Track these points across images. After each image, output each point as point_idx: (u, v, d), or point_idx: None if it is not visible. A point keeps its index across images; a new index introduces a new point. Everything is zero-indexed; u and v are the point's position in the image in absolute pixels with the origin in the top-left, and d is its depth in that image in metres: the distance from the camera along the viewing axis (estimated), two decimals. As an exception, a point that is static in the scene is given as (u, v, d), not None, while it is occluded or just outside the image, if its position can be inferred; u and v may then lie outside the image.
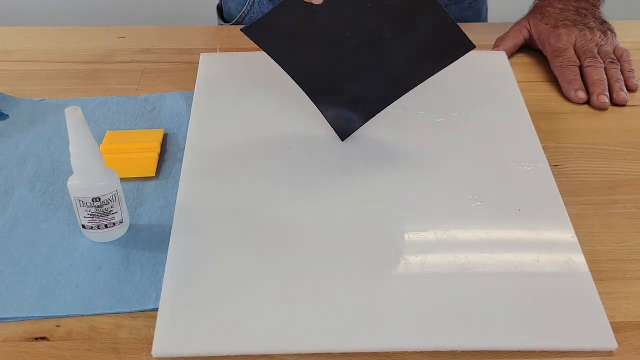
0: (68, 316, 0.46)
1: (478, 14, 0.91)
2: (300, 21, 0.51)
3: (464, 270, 0.48)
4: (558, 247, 0.50)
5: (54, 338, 0.45)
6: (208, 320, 0.45)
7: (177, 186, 0.54)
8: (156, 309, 0.46)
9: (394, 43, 0.50)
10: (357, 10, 0.50)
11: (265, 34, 0.51)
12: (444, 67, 0.49)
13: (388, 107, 0.62)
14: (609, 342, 0.44)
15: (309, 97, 0.48)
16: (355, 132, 0.58)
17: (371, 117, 0.47)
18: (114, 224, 0.50)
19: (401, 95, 0.49)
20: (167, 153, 0.59)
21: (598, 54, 0.71)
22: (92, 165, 0.47)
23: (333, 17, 0.50)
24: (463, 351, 0.44)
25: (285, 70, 0.49)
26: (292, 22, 0.52)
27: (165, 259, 0.49)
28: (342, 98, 0.48)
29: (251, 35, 0.50)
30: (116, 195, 0.49)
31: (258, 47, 0.52)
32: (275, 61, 0.49)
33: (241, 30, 0.51)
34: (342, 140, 0.46)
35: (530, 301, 0.46)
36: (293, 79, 0.49)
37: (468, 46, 0.50)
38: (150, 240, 0.51)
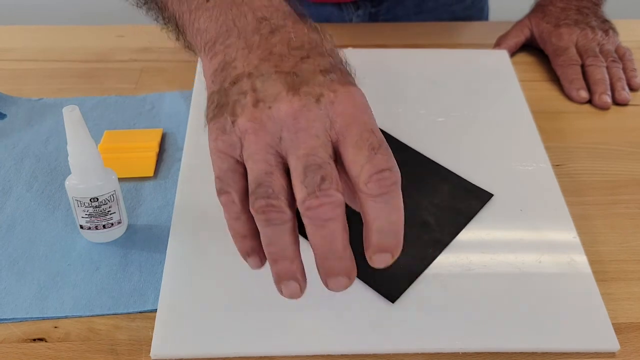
0: (66, 317, 0.46)
1: (481, 12, 0.91)
2: None
3: (466, 271, 0.48)
4: (560, 248, 0.50)
5: (52, 339, 0.45)
6: (207, 322, 0.44)
7: (176, 186, 0.54)
8: (155, 310, 0.45)
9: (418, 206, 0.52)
10: None
11: None
12: (470, 219, 0.51)
13: (388, 107, 0.62)
14: (611, 343, 0.44)
15: None
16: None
17: (417, 276, 0.47)
18: (112, 224, 0.50)
19: (441, 251, 0.50)
20: (166, 153, 0.59)
21: (600, 53, 0.71)
22: (90, 165, 0.47)
23: None
24: (464, 353, 0.44)
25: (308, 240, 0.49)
26: None
27: (164, 259, 0.48)
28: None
29: None
30: (114, 196, 0.48)
31: None
32: (298, 232, 0.49)
33: None
34: (393, 302, 0.46)
35: (532, 302, 0.46)
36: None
37: (486, 197, 0.53)
38: (148, 241, 0.51)
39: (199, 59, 0.68)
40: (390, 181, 0.36)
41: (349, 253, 0.37)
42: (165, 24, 0.53)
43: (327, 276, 0.37)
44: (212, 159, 0.40)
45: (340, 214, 0.36)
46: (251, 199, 0.37)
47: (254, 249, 0.39)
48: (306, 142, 0.36)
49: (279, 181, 0.36)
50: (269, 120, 0.37)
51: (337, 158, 0.37)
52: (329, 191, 0.35)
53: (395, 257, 0.38)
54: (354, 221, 0.37)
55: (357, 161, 0.36)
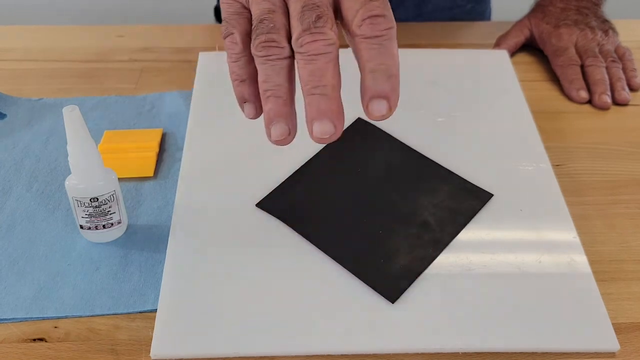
0: (66, 317, 0.46)
1: (481, 17, 0.90)
2: (315, 191, 0.53)
3: (466, 271, 0.48)
4: (560, 248, 0.50)
5: (52, 339, 0.44)
6: (207, 322, 0.44)
7: (176, 186, 0.54)
8: (155, 310, 0.45)
9: (416, 205, 0.52)
10: (375, 181, 0.54)
11: (281, 206, 0.52)
12: (470, 219, 0.51)
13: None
14: (611, 343, 0.44)
15: (341, 264, 0.48)
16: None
17: (417, 276, 0.47)
18: (112, 224, 0.50)
19: (441, 251, 0.50)
20: (166, 153, 0.59)
21: (599, 53, 0.71)
22: (90, 165, 0.47)
23: (346, 189, 0.53)
24: (464, 353, 0.44)
25: (310, 241, 0.49)
26: (308, 192, 0.53)
27: (164, 259, 0.48)
28: (377, 262, 0.48)
29: (266, 209, 0.51)
30: (114, 196, 0.48)
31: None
32: (298, 232, 0.50)
33: (256, 205, 0.51)
34: (393, 303, 0.46)
35: (532, 302, 0.46)
36: (320, 248, 0.49)
37: (486, 197, 0.53)
38: (148, 241, 0.51)
39: (199, 58, 0.68)
40: (383, 26, 0.37)
41: (337, 95, 0.37)
42: None
43: (312, 119, 0.37)
44: (221, 7, 0.42)
45: (332, 51, 0.37)
46: (253, 36, 0.38)
47: (251, 94, 0.40)
48: None
49: (279, 18, 0.38)
50: None
51: (338, 14, 0.39)
52: (323, 29, 0.36)
53: (392, 107, 0.38)
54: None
55: (352, 7, 0.37)
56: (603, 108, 0.67)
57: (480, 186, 0.54)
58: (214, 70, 0.66)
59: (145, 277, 0.48)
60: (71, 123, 0.45)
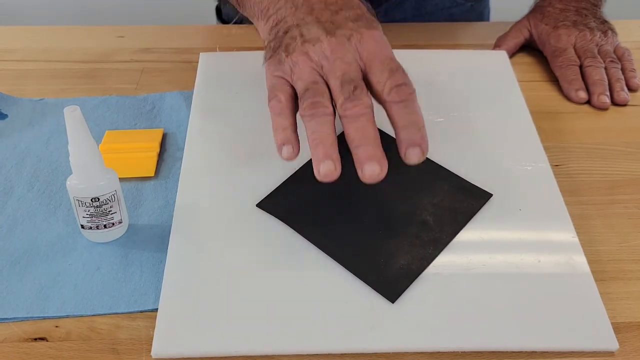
0: (67, 317, 0.46)
1: (480, 16, 0.91)
2: (315, 191, 0.52)
3: (465, 271, 0.48)
4: (559, 248, 0.50)
5: (53, 339, 0.45)
6: (208, 321, 0.44)
7: (177, 186, 0.54)
8: (156, 310, 0.45)
9: (416, 207, 0.52)
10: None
11: (281, 207, 0.52)
12: (469, 219, 0.52)
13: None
14: (610, 343, 0.44)
15: (341, 264, 0.48)
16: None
17: (417, 276, 0.47)
18: (113, 224, 0.50)
19: (441, 251, 0.50)
20: (167, 153, 0.59)
21: (598, 54, 0.71)
22: (91, 165, 0.47)
23: (347, 186, 0.52)
24: (464, 352, 0.44)
25: (310, 241, 0.49)
26: (308, 192, 0.53)
27: (165, 259, 0.48)
28: (377, 262, 0.48)
29: (266, 209, 0.51)
30: (115, 195, 0.49)
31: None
32: (298, 232, 0.50)
33: (256, 205, 0.52)
34: (393, 303, 0.46)
35: (531, 302, 0.46)
36: (320, 248, 0.49)
37: (486, 196, 0.53)
38: (149, 241, 0.51)
39: (199, 59, 0.68)
40: (407, 91, 0.47)
41: (379, 143, 0.45)
42: (226, 2, 0.70)
43: (362, 163, 0.45)
44: (267, 86, 0.51)
45: (369, 112, 0.46)
46: (300, 101, 0.48)
47: (290, 139, 0.48)
48: (341, 67, 0.48)
49: (323, 87, 0.48)
50: (313, 54, 0.49)
51: (367, 85, 0.48)
52: (360, 95, 0.46)
53: (425, 152, 0.47)
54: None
55: (380, 81, 0.48)
56: (602, 108, 0.67)
57: (480, 186, 0.54)
58: (215, 70, 0.67)
59: (146, 277, 0.48)
60: (72, 123, 0.45)
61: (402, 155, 0.46)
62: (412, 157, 0.46)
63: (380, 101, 0.48)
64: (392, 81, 0.47)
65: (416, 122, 0.47)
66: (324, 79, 0.48)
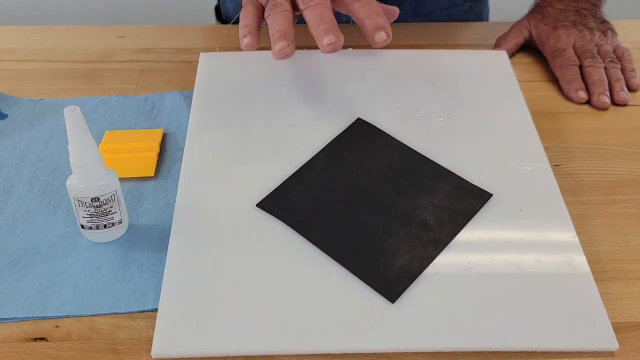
0: (67, 317, 0.46)
1: (479, 17, 0.90)
2: (315, 191, 0.53)
3: (465, 271, 0.48)
4: (559, 248, 0.50)
5: (53, 339, 0.45)
6: (208, 321, 0.45)
7: (177, 186, 0.54)
8: (156, 310, 0.45)
9: (416, 206, 0.52)
10: (373, 180, 0.54)
11: (281, 207, 0.52)
12: (469, 219, 0.52)
13: (388, 107, 0.62)
14: (610, 343, 0.44)
15: (341, 264, 0.48)
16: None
17: (417, 276, 0.47)
18: (113, 224, 0.50)
19: (441, 251, 0.50)
20: (167, 153, 0.59)
21: (598, 54, 0.71)
22: (91, 165, 0.47)
23: (348, 188, 0.54)
24: (464, 352, 0.44)
25: (310, 241, 0.49)
26: (308, 192, 0.53)
27: (165, 259, 0.48)
28: (377, 262, 0.48)
29: (266, 209, 0.51)
30: (115, 195, 0.49)
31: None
32: (298, 232, 0.50)
33: (256, 205, 0.52)
34: (393, 302, 0.46)
35: (531, 302, 0.46)
36: (320, 248, 0.49)
37: (486, 196, 0.53)
38: (149, 241, 0.51)
39: (199, 59, 0.68)
40: None
41: (335, 23, 0.53)
42: None
43: (321, 37, 0.53)
44: None
45: (326, 2, 0.54)
46: (265, 7, 0.57)
47: (250, 32, 0.57)
48: None
49: None
50: None
51: None
52: None
53: (389, 34, 0.55)
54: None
55: None
56: (602, 108, 0.67)
57: (480, 186, 0.54)
58: (215, 70, 0.67)
59: (146, 277, 0.48)
60: (72, 123, 0.45)
61: (370, 39, 0.55)
62: (378, 38, 0.55)
63: (343, 5, 0.57)
64: None
65: (377, 12, 0.55)
66: None
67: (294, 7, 0.57)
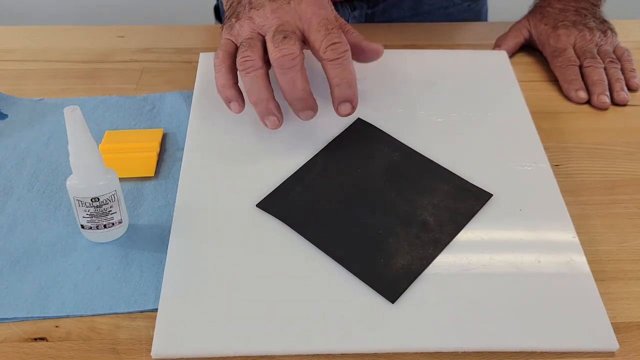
0: (67, 317, 0.46)
1: (478, 15, 0.90)
2: (315, 191, 0.53)
3: (465, 271, 0.48)
4: (559, 248, 0.50)
5: (53, 339, 0.45)
6: (208, 321, 0.45)
7: (177, 186, 0.54)
8: (156, 310, 0.45)
9: (415, 206, 0.52)
10: (373, 181, 0.54)
11: (281, 207, 0.52)
12: (469, 219, 0.52)
13: (387, 107, 0.62)
14: (610, 343, 0.44)
15: (341, 264, 0.48)
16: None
17: (417, 276, 0.47)
18: (113, 224, 0.50)
19: (441, 251, 0.50)
20: (167, 153, 0.59)
21: (598, 54, 0.71)
22: (91, 165, 0.47)
23: (346, 187, 0.54)
24: (464, 352, 0.44)
25: (310, 241, 0.49)
26: (308, 192, 0.53)
27: (165, 259, 0.48)
28: (377, 262, 0.48)
29: (266, 209, 0.51)
30: (115, 195, 0.49)
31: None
32: (298, 232, 0.50)
33: (256, 205, 0.52)
34: (393, 303, 0.46)
35: (531, 302, 0.46)
36: (320, 248, 0.49)
37: (486, 197, 0.53)
38: (149, 241, 0.51)
39: (199, 59, 0.68)
40: (341, 49, 0.53)
41: (308, 94, 0.53)
42: None
43: (297, 112, 0.55)
44: (221, 45, 0.57)
45: (297, 64, 0.52)
46: (237, 58, 0.54)
47: (234, 95, 0.56)
48: (276, 23, 0.54)
49: (255, 42, 0.54)
50: (257, 17, 0.55)
51: (308, 44, 0.55)
52: (288, 45, 0.51)
53: (355, 106, 0.55)
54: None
55: (317, 39, 0.53)
56: (602, 108, 0.67)
57: (480, 186, 0.54)
58: (215, 70, 0.67)
59: (146, 277, 0.48)
60: (72, 123, 0.45)
61: (335, 108, 0.55)
62: (343, 111, 0.54)
63: (318, 59, 0.54)
64: (328, 40, 0.53)
65: (348, 80, 0.53)
66: (262, 36, 0.54)
67: (265, 50, 0.54)
